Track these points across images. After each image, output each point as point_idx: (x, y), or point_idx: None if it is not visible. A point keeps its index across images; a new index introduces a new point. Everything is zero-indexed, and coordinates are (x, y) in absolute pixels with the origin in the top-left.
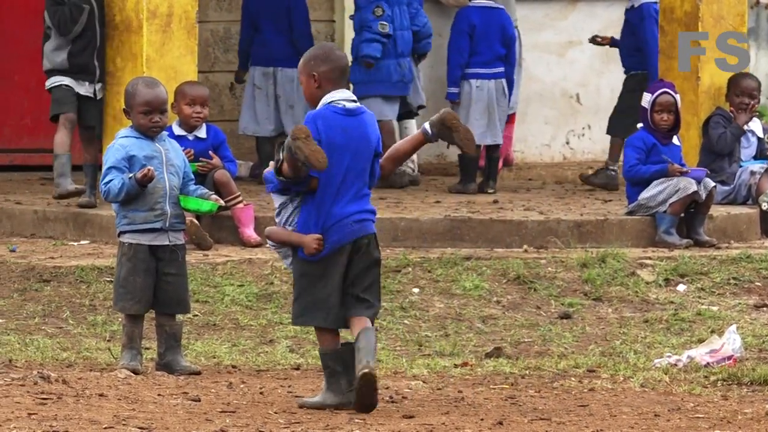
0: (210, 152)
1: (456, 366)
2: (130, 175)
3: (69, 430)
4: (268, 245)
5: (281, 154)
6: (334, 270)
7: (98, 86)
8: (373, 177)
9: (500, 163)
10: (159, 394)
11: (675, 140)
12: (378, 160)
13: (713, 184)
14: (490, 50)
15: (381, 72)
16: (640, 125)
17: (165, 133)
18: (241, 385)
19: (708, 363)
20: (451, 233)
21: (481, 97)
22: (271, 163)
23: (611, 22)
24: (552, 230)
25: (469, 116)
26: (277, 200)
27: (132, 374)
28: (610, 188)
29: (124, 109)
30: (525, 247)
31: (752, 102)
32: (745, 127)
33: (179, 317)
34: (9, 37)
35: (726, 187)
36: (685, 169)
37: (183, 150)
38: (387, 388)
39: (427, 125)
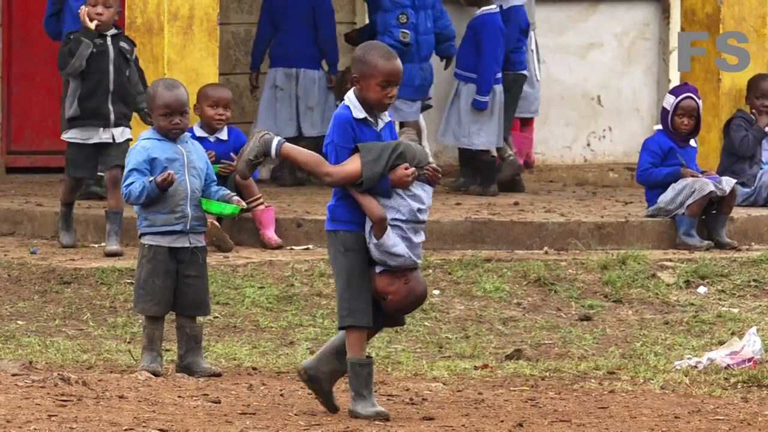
0: (231, 154)
1: (476, 368)
2: (151, 178)
3: None
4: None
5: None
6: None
7: (117, 130)
8: None
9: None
10: (179, 396)
11: (692, 142)
12: None
13: (734, 181)
14: (502, 54)
15: (404, 76)
16: (657, 127)
17: (187, 134)
18: (262, 387)
19: (728, 365)
20: (472, 235)
21: (497, 101)
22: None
23: (633, 24)
24: (573, 232)
25: (492, 120)
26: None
27: (152, 376)
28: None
29: (145, 111)
30: (545, 249)
31: None
32: (767, 129)
33: (200, 319)
34: (31, 38)
35: (747, 189)
36: (697, 173)
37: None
38: (407, 389)
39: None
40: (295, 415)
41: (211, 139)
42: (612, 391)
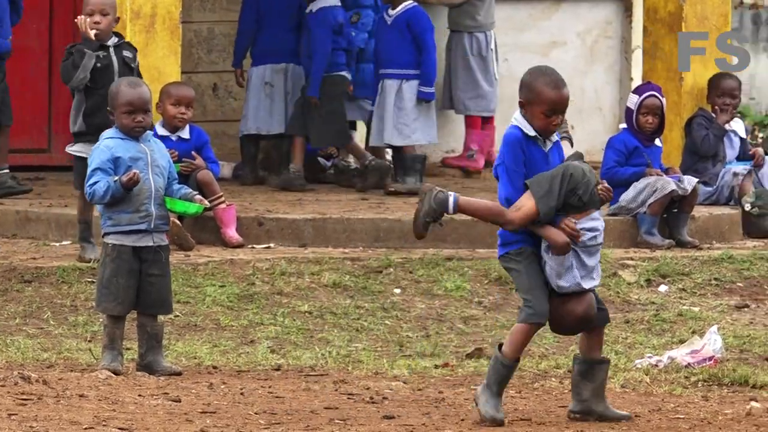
0: (193, 153)
1: (437, 367)
2: (116, 178)
3: (49, 431)
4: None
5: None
6: None
7: None
8: None
9: (482, 163)
10: (139, 395)
11: (657, 142)
12: None
13: (696, 180)
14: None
15: (363, 75)
16: (623, 126)
17: (150, 133)
18: (222, 386)
19: (689, 364)
20: (433, 234)
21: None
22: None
23: (596, 22)
24: None
25: (430, 113)
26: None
27: (113, 375)
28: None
29: (108, 110)
30: None
31: (733, 102)
32: (727, 127)
33: (160, 318)
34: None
35: (709, 188)
36: (662, 172)
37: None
38: (368, 388)
39: None
40: (256, 413)
41: (173, 137)
42: (570, 391)
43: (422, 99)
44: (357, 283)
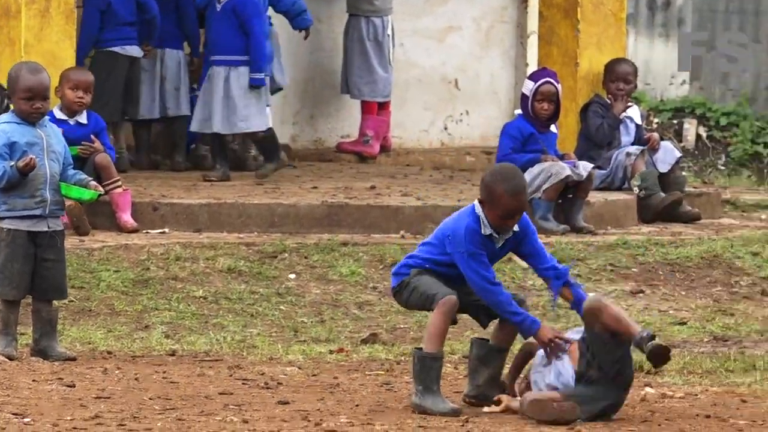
0: (92, 136)
1: (332, 352)
2: (12, 163)
3: None
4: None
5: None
6: None
7: None
8: None
9: (377, 148)
10: (34, 380)
11: (552, 128)
12: None
13: (591, 166)
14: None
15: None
16: (518, 112)
17: (46, 118)
18: (116, 371)
19: None
20: (328, 219)
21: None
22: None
23: (491, 8)
24: (429, 216)
25: (261, 98)
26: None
27: (6, 360)
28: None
29: (5, 94)
30: (402, 233)
31: (627, 87)
32: (623, 115)
33: (55, 303)
34: None
35: (603, 171)
36: (557, 158)
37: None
38: (262, 374)
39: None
40: (150, 399)
41: (71, 122)
42: (467, 375)
43: (253, 85)
44: (252, 269)
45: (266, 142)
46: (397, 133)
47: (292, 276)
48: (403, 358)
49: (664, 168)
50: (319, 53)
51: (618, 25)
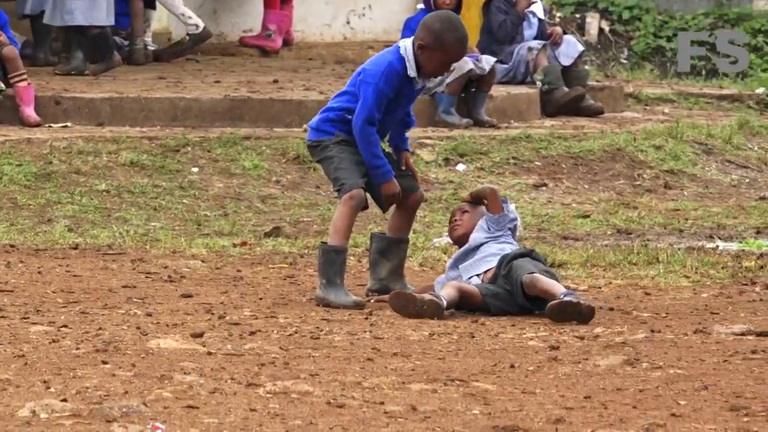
0: None
1: (235, 245)
2: None
3: None
4: None
5: None
6: None
7: None
8: None
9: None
10: None
11: None
12: None
13: (494, 60)
14: None
15: None
16: (420, 6)
17: None
18: (20, 264)
19: None
20: (231, 113)
21: None
22: None
23: None
24: None
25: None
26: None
27: None
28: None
29: None
30: (305, 126)
31: None
32: (525, 10)
33: None
34: None
35: (506, 65)
36: None
37: None
38: (166, 267)
39: None
40: (53, 292)
41: None
42: (368, 269)
43: None
44: (154, 162)
45: (98, 40)
46: (300, 28)
47: (195, 170)
48: (306, 251)
49: (566, 61)
50: None
51: None
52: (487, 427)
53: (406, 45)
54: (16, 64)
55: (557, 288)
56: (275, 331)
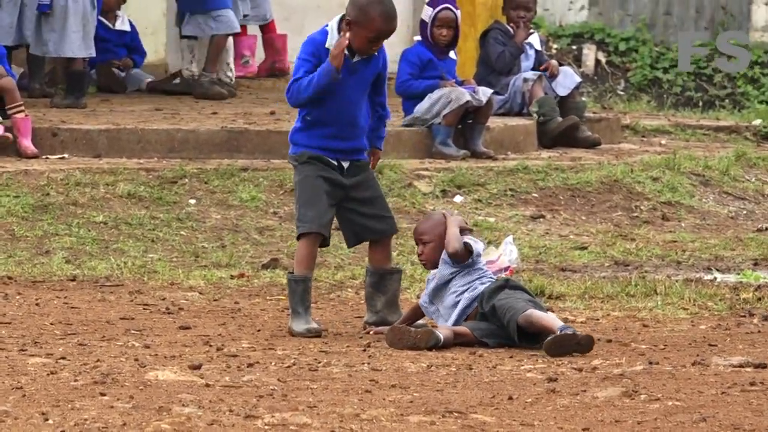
0: None
1: (232, 277)
2: None
3: None
4: None
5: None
6: None
7: None
8: None
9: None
10: None
11: (451, 54)
12: None
13: (491, 91)
14: None
15: None
16: (417, 38)
17: None
18: (17, 296)
19: None
20: (228, 144)
21: (77, 9)
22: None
23: None
24: None
25: (66, 28)
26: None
27: None
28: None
29: None
30: None
31: (528, 15)
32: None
33: None
34: None
35: (501, 96)
36: (456, 84)
37: None
38: (163, 299)
39: None
40: (51, 324)
41: None
42: (365, 303)
43: (40, 12)
44: (152, 194)
45: (73, 75)
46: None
47: (193, 201)
48: None
49: (563, 92)
50: None
51: None
52: None
53: (332, 24)
54: (13, 96)
55: (555, 322)
56: (273, 363)
